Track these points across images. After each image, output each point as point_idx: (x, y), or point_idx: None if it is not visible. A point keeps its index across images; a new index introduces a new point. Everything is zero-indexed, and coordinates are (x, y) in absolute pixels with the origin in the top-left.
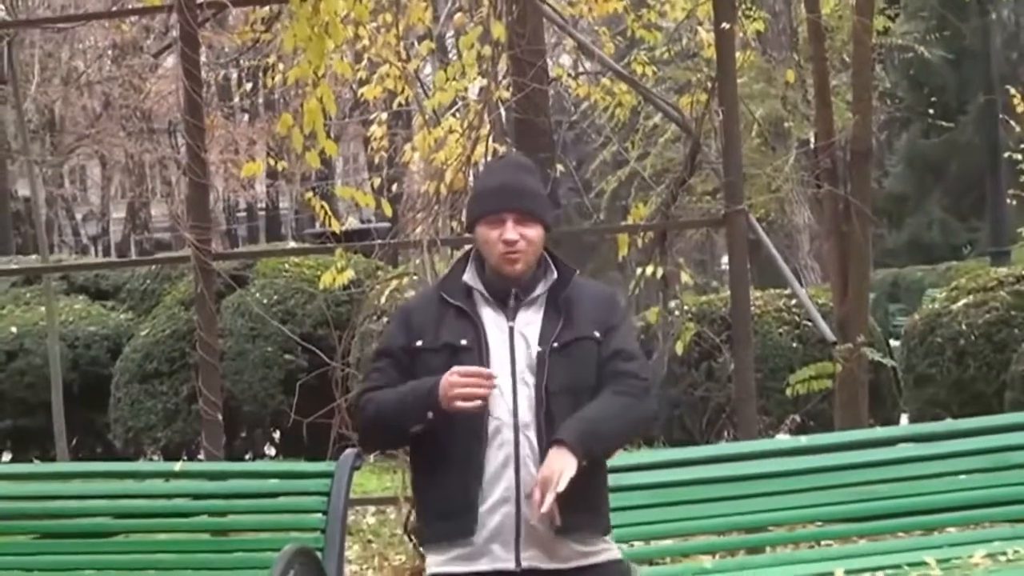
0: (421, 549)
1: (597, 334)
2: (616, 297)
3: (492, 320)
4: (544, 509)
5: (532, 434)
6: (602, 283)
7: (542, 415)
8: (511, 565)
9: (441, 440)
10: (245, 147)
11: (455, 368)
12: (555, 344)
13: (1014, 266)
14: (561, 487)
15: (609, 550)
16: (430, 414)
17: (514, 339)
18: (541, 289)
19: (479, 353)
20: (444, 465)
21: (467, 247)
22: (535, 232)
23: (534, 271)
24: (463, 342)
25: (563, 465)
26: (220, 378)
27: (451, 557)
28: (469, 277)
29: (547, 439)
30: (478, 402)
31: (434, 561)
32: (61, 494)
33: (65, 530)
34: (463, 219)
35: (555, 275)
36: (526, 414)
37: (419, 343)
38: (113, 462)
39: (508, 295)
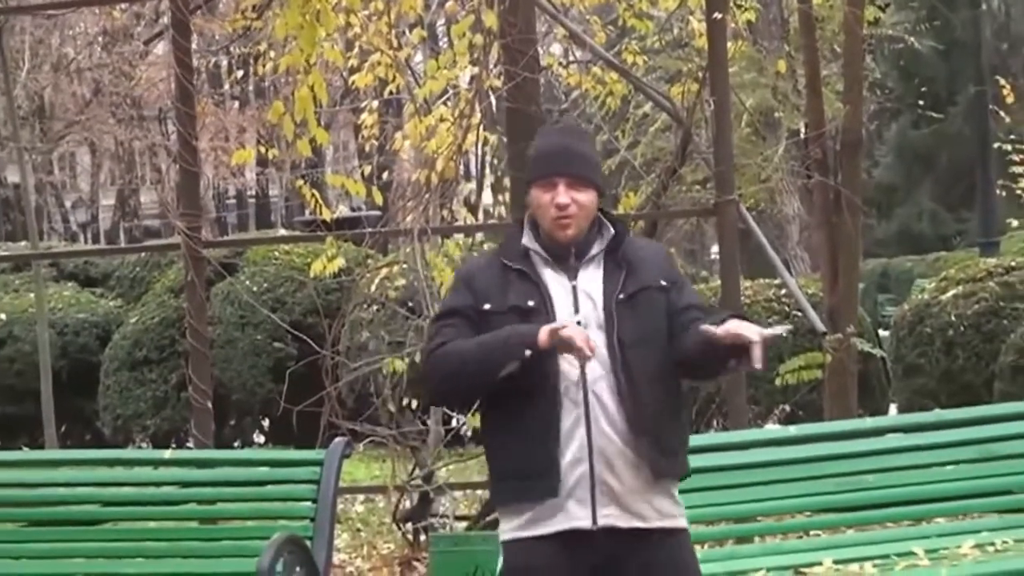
0: (496, 512)
1: (664, 283)
2: (668, 253)
3: (554, 280)
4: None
5: (604, 390)
6: (650, 240)
7: (619, 367)
8: (587, 523)
9: (513, 402)
10: (235, 134)
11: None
12: (621, 296)
13: (1003, 257)
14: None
15: (682, 516)
16: (528, 352)
17: (578, 297)
18: (598, 247)
19: (546, 314)
20: (520, 426)
21: (520, 216)
22: (587, 197)
23: (589, 231)
24: (530, 303)
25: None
26: (210, 366)
27: (526, 520)
28: (527, 240)
29: (627, 391)
30: (582, 351)
31: (509, 527)
32: (50, 482)
33: (54, 517)
34: (453, 207)
35: (611, 232)
36: (596, 370)
37: (487, 306)
38: (102, 450)
39: (567, 255)
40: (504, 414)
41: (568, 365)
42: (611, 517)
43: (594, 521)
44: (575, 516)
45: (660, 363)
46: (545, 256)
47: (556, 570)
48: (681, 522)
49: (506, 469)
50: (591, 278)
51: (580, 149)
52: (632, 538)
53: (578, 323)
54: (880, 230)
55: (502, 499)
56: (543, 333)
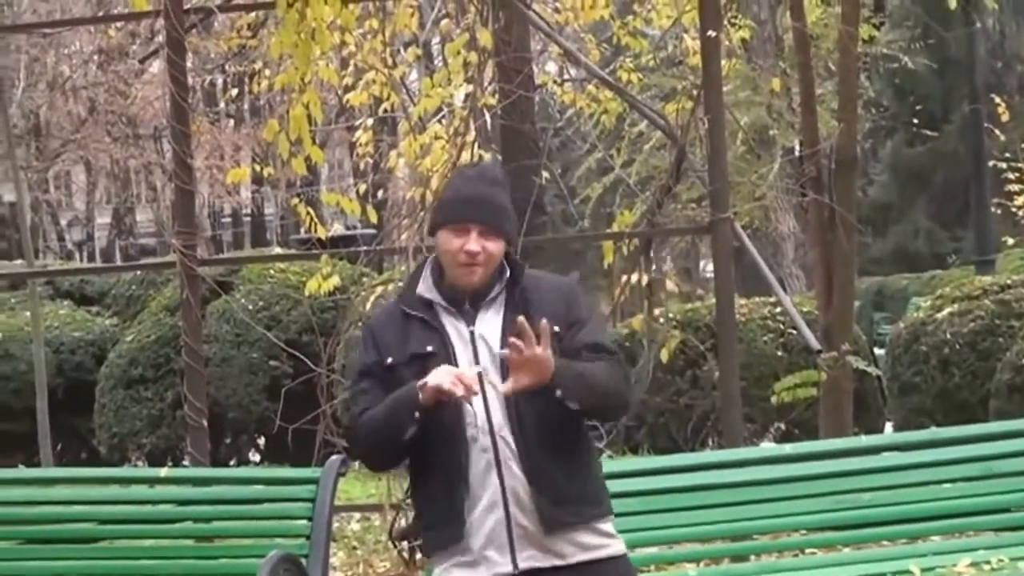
0: (418, 557)
1: (556, 328)
2: (574, 288)
3: (453, 327)
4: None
5: (508, 435)
6: (554, 275)
7: (514, 416)
8: (508, 568)
9: (425, 451)
10: (230, 153)
11: (442, 367)
12: (510, 341)
13: (998, 275)
14: (522, 352)
15: (612, 545)
16: (417, 413)
17: (476, 343)
18: (497, 290)
19: (446, 359)
20: (430, 475)
21: (423, 259)
22: (496, 246)
23: (491, 275)
24: (429, 348)
25: (538, 356)
26: (205, 384)
27: (451, 565)
28: (423, 288)
29: (523, 440)
30: (460, 393)
31: (436, 572)
32: (46, 500)
33: (50, 536)
34: None
35: (507, 273)
36: (499, 416)
37: (389, 360)
38: (98, 468)
39: (464, 300)
40: (420, 463)
41: (473, 409)
42: (531, 559)
43: (515, 566)
44: (496, 563)
45: (554, 411)
46: (443, 304)
47: None
48: (607, 551)
49: (423, 518)
50: (489, 323)
51: (496, 198)
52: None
53: (478, 373)
54: (875, 248)
55: (425, 548)
56: (422, 393)
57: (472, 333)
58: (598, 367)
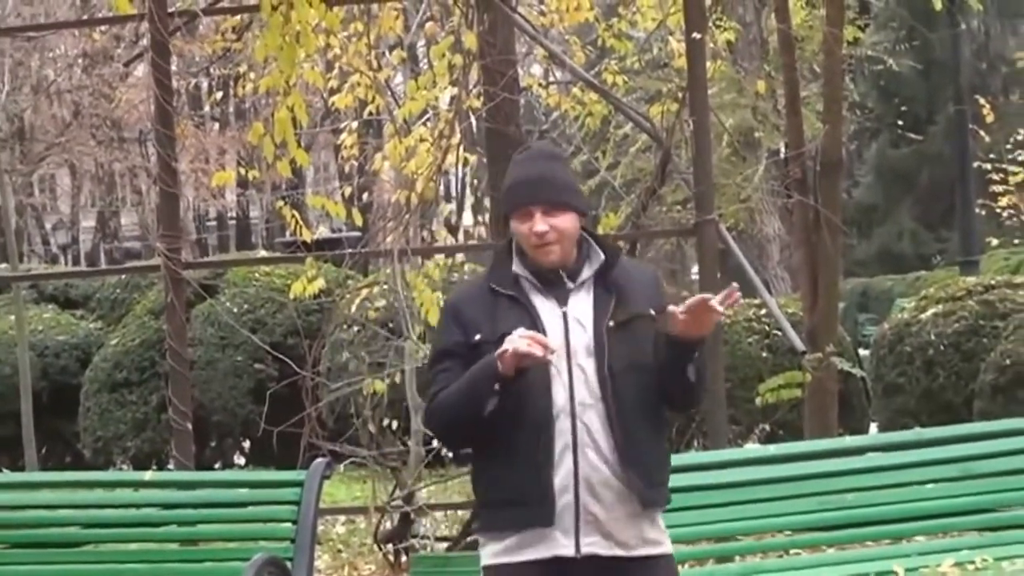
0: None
1: (652, 311)
2: (659, 278)
3: (544, 306)
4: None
5: (592, 418)
6: (639, 262)
7: (609, 394)
8: (571, 551)
9: (506, 429)
10: (216, 156)
11: (517, 331)
12: (611, 323)
13: (983, 275)
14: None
15: (666, 542)
16: (497, 385)
17: (568, 323)
18: (588, 272)
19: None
20: (511, 452)
21: (510, 239)
22: (566, 221)
23: (577, 255)
24: (521, 328)
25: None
26: (190, 387)
27: (510, 545)
28: (516, 266)
29: (617, 421)
30: (540, 354)
31: (490, 551)
32: (30, 504)
33: (34, 540)
34: (433, 228)
35: (601, 257)
36: (585, 398)
37: (477, 337)
38: (82, 471)
39: (558, 279)
40: (494, 440)
41: (559, 395)
42: (594, 546)
43: (577, 550)
44: (559, 544)
45: (649, 392)
46: (534, 282)
47: None
48: (663, 548)
49: (496, 495)
50: (581, 303)
51: (553, 174)
52: (614, 565)
53: (552, 351)
54: (860, 250)
55: (491, 525)
56: (501, 363)
57: (565, 314)
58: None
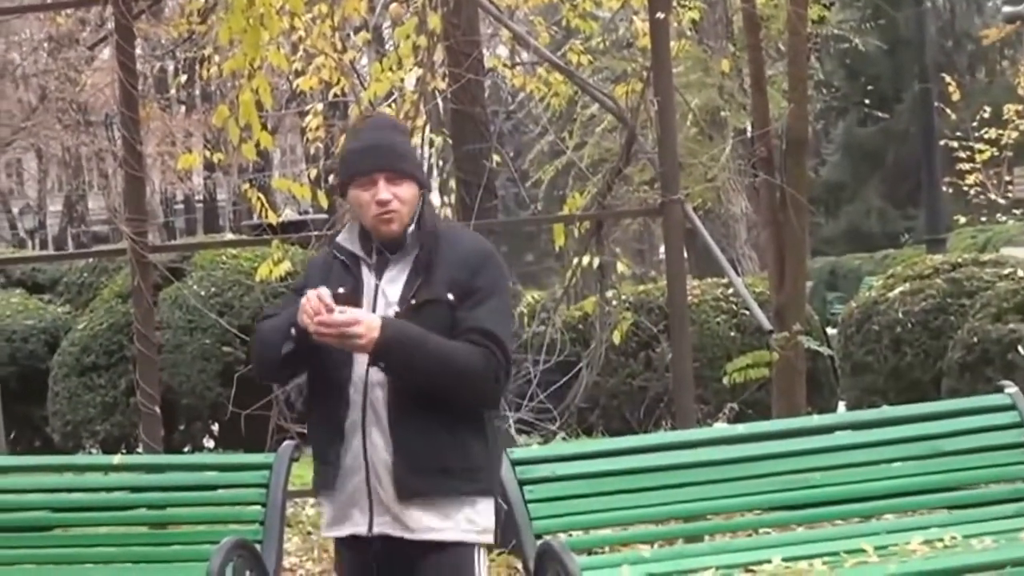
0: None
1: (450, 296)
2: (488, 258)
3: (365, 277)
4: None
5: (378, 399)
6: (478, 238)
7: (387, 378)
8: (363, 530)
9: (317, 391)
10: (182, 139)
11: (315, 290)
12: (412, 302)
13: (950, 253)
14: (334, 318)
15: (458, 528)
16: (293, 331)
17: (377, 297)
18: (408, 243)
19: (355, 303)
20: (320, 417)
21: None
22: (407, 191)
23: (408, 227)
24: (340, 288)
25: (366, 320)
26: (158, 371)
27: (328, 520)
28: (343, 238)
29: (395, 401)
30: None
31: (323, 523)
32: None
33: (3, 524)
34: None
35: (424, 231)
36: (376, 376)
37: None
38: (51, 455)
39: (379, 252)
40: (310, 398)
41: (357, 371)
42: (385, 526)
43: (370, 528)
44: (356, 523)
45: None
46: (360, 254)
47: (349, 570)
48: (453, 535)
49: (315, 453)
50: (394, 279)
51: (397, 142)
52: (407, 546)
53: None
54: (828, 228)
55: (313, 484)
56: (301, 314)
57: (377, 287)
58: (457, 348)
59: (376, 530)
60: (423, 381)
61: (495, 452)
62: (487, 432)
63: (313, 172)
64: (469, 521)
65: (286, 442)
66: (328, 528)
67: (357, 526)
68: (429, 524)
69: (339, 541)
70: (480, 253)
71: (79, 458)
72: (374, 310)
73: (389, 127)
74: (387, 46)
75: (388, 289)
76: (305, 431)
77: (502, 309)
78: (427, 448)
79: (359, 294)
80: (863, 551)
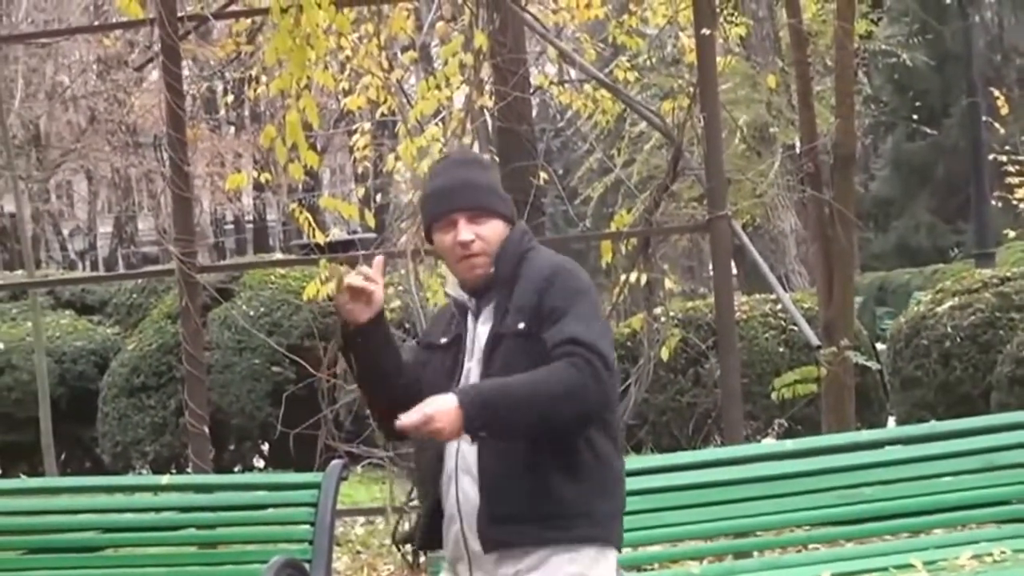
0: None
1: (521, 326)
2: (557, 273)
3: (470, 324)
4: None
5: (465, 445)
6: (550, 256)
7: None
8: None
9: (420, 448)
10: (231, 159)
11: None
12: (496, 336)
13: (999, 267)
14: (416, 419)
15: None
16: (343, 332)
17: (471, 342)
18: (495, 282)
19: (453, 352)
20: (421, 475)
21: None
22: (491, 230)
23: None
24: (443, 340)
25: (440, 408)
26: (207, 391)
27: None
28: (449, 286)
29: (484, 449)
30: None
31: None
32: (49, 509)
33: (54, 545)
34: None
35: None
36: None
37: (443, 340)
38: (101, 476)
39: (480, 292)
40: (417, 455)
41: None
42: None
43: None
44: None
45: None
46: (462, 301)
47: None
48: None
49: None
50: (485, 320)
51: (475, 178)
52: None
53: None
54: (877, 243)
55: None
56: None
57: (475, 328)
58: (540, 374)
59: None
60: (526, 427)
61: (606, 493)
62: (587, 471)
63: (361, 191)
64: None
65: (335, 461)
66: None
67: None
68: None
69: None
70: (546, 272)
71: (129, 479)
72: (469, 354)
73: (464, 163)
74: (437, 64)
75: (480, 332)
76: (353, 450)
77: (584, 313)
78: (512, 494)
79: (459, 344)
80: (912, 566)
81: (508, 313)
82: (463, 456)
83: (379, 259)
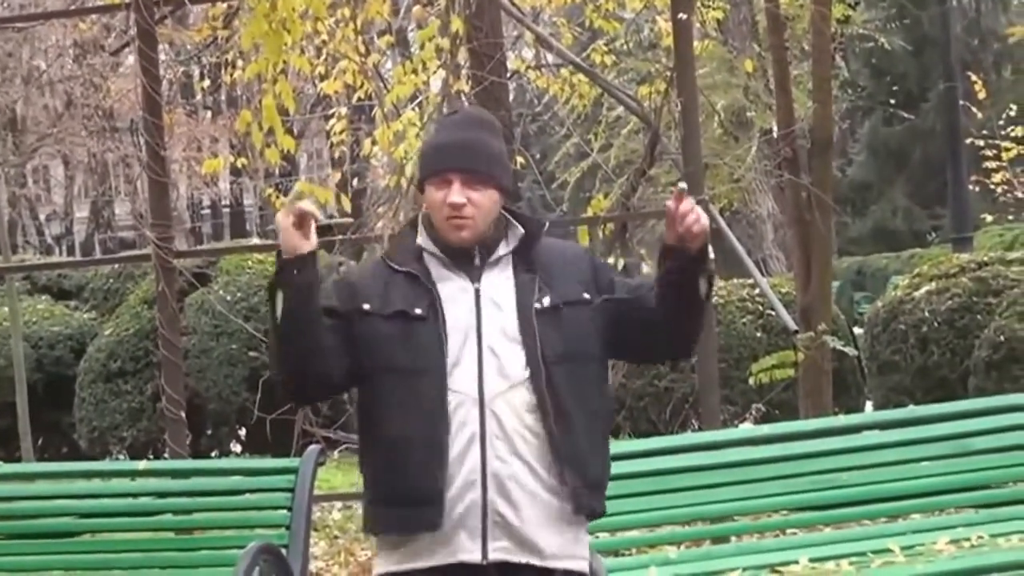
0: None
1: (587, 296)
2: (590, 253)
3: (452, 284)
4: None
5: (505, 409)
6: (564, 240)
7: (544, 385)
8: (476, 557)
9: (397, 418)
10: (208, 144)
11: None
12: (539, 306)
13: (976, 252)
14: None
15: (586, 560)
16: (281, 267)
17: (480, 302)
18: (505, 248)
19: (436, 322)
20: (403, 447)
21: (415, 213)
22: (486, 197)
23: (494, 230)
24: (417, 311)
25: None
26: (184, 376)
27: (406, 552)
28: (422, 239)
29: (554, 412)
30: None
31: (387, 559)
32: (26, 495)
33: (31, 531)
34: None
35: (520, 232)
36: (499, 386)
37: (366, 306)
38: (78, 462)
39: (470, 255)
40: (385, 433)
41: (462, 383)
42: (503, 551)
43: (484, 555)
44: (463, 548)
45: (587, 385)
46: (441, 256)
47: None
48: (583, 565)
49: (385, 494)
50: (498, 283)
51: (481, 142)
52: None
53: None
54: (855, 228)
55: (381, 527)
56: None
57: (478, 291)
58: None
59: (493, 556)
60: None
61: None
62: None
63: (338, 176)
64: (586, 547)
65: (312, 446)
66: (406, 560)
67: (464, 553)
68: (567, 550)
69: (426, 574)
70: (582, 250)
71: (105, 464)
72: (478, 316)
73: (475, 123)
74: (411, 49)
75: (494, 295)
76: (330, 436)
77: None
78: (596, 461)
79: (437, 309)
80: (890, 551)
81: (552, 280)
82: (494, 421)
83: (310, 206)
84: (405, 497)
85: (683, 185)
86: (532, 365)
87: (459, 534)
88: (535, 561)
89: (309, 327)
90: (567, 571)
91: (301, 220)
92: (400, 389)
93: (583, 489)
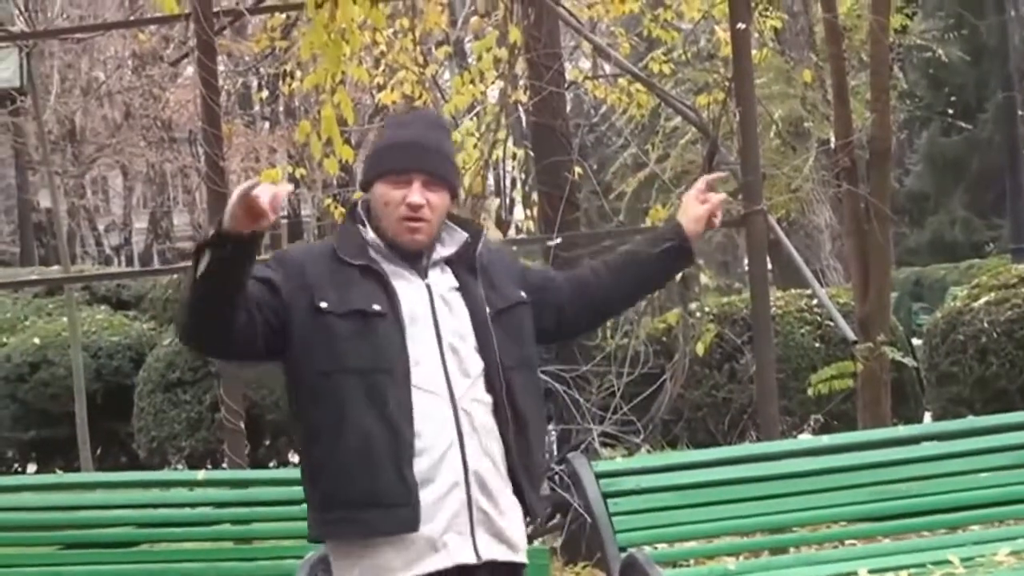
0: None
1: (523, 295)
2: (516, 257)
3: (404, 280)
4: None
5: (475, 407)
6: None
7: (502, 391)
8: (472, 558)
9: (360, 419)
10: (266, 155)
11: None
12: (491, 311)
13: None
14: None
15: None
16: (212, 232)
17: (433, 298)
18: (448, 251)
19: (396, 319)
20: (367, 447)
21: (356, 203)
22: (441, 199)
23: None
24: (376, 307)
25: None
26: (242, 387)
27: (392, 560)
28: (368, 234)
29: (512, 419)
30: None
31: (357, 568)
32: (85, 504)
33: (89, 540)
34: (482, 221)
35: (463, 236)
36: (463, 383)
37: (323, 304)
38: (137, 472)
39: (418, 253)
40: (347, 430)
41: (428, 380)
42: (489, 549)
43: (477, 555)
44: (458, 551)
45: (537, 389)
46: (387, 252)
47: None
48: (523, 556)
49: (351, 497)
50: (441, 282)
51: (441, 145)
52: (508, 572)
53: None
54: (913, 239)
55: (343, 533)
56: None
57: (428, 287)
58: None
59: (484, 556)
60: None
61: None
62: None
63: None
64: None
65: None
66: (403, 568)
67: (460, 555)
68: (523, 543)
69: None
70: (509, 254)
71: (164, 474)
72: (434, 312)
73: (436, 125)
74: (470, 59)
75: (442, 291)
76: None
77: None
78: (541, 468)
79: (395, 305)
80: (949, 562)
81: (494, 282)
82: (467, 418)
83: (281, 193)
84: (375, 499)
85: (718, 174)
86: (492, 372)
87: (451, 537)
88: (512, 557)
89: (232, 300)
90: (522, 564)
91: (251, 206)
92: (361, 388)
93: (533, 495)
